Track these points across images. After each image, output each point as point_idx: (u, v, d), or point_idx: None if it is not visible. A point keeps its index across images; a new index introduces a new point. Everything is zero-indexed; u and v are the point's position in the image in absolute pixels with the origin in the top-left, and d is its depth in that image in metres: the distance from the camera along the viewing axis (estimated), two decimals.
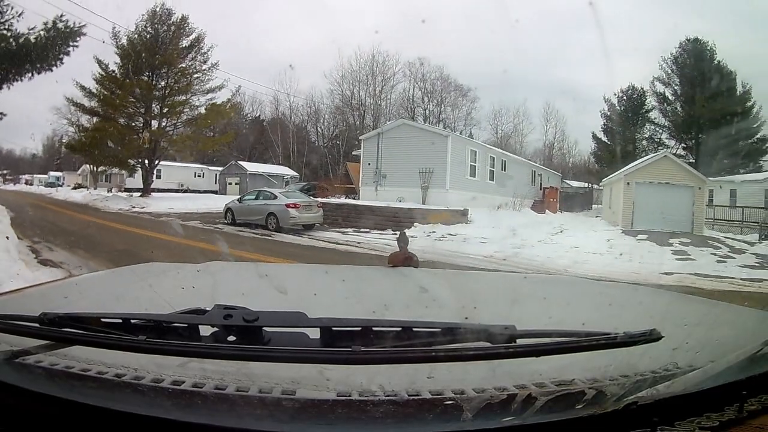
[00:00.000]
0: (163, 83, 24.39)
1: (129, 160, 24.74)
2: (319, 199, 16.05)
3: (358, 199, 18.94)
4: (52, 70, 15.66)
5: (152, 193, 24.81)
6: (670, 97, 36.65)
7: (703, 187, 18.57)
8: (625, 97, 38.03)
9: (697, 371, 0.69)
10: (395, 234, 14.18)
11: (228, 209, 15.30)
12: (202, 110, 24.81)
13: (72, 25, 15.13)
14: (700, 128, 34.27)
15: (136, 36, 23.98)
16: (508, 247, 10.90)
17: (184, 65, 24.55)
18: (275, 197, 14.15)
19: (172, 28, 24.48)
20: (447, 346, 0.68)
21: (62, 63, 15.55)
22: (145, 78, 23.97)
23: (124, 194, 25.02)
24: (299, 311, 0.72)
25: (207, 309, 0.75)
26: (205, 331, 0.71)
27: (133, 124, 24.64)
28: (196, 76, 24.80)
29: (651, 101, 37.59)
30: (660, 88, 36.75)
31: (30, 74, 14.55)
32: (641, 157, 25.51)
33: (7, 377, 0.64)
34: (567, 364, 0.69)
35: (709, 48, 34.00)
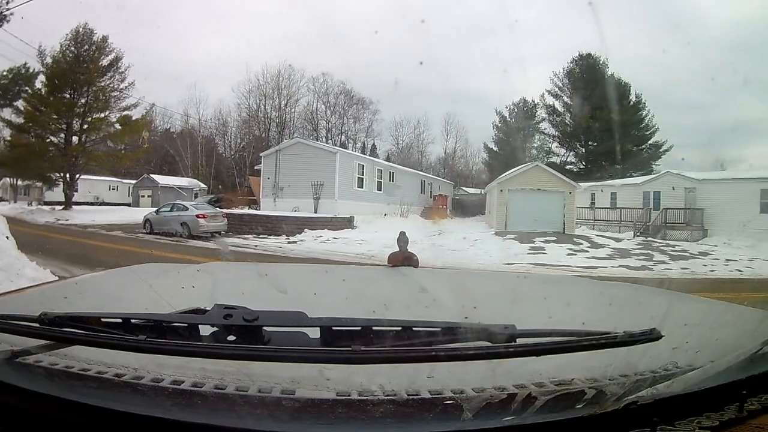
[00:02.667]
0: (83, 101, 25.34)
1: (51, 174, 25.65)
2: (224, 210, 18.14)
3: (259, 209, 20.96)
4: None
5: (73, 206, 25.58)
6: (559, 109, 39.19)
7: (573, 192, 20.57)
8: (516, 110, 40.62)
9: (697, 371, 0.69)
10: (288, 239, 15.16)
11: (147, 220, 17.12)
12: (118, 126, 25.92)
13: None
14: (590, 137, 36.50)
15: (60, 55, 24.97)
16: (379, 246, 12.63)
17: (103, 84, 25.67)
18: (187, 209, 16.31)
19: (93, 47, 25.55)
20: (447, 346, 0.68)
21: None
22: (68, 96, 24.91)
23: (47, 207, 25.61)
24: (299, 311, 0.72)
25: (207, 309, 0.75)
26: (205, 330, 0.71)
27: (56, 140, 25.56)
28: (114, 94, 26.01)
29: (541, 113, 40.21)
30: (550, 100, 39.30)
31: None
32: None
33: (7, 377, 0.64)
34: (567, 363, 0.69)
35: (601, 62, 36.20)
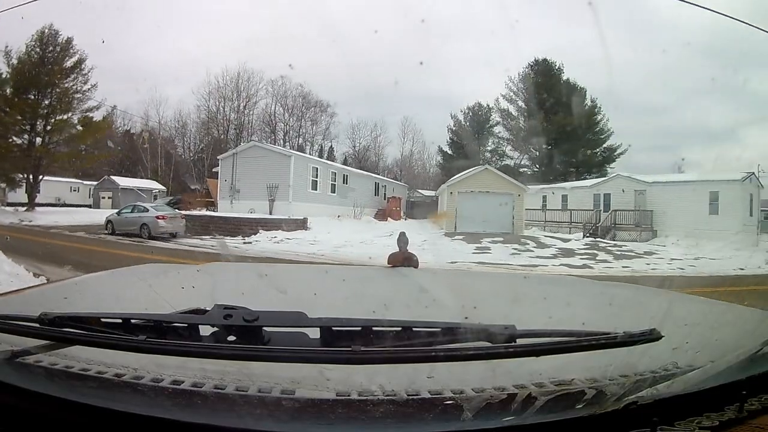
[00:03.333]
0: (47, 102, 25.48)
1: (14, 175, 25.77)
2: (183, 212, 18.74)
3: (216, 211, 21.64)
4: None
5: (36, 208, 25.69)
6: (514, 113, 40.07)
7: (522, 194, 21.39)
8: (471, 113, 41.53)
9: (697, 371, 0.69)
10: (243, 239, 15.51)
11: (109, 221, 17.73)
12: (79, 127, 26.15)
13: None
14: (545, 140, 36.85)
15: (25, 56, 25.11)
16: (330, 247, 13.56)
17: (66, 85, 25.75)
18: (147, 210, 17.09)
19: (58, 49, 25.67)
20: (447, 346, 0.68)
21: None
22: (32, 97, 25.07)
23: (10, 209, 25.21)
24: (299, 311, 0.72)
25: (207, 309, 0.75)
26: (206, 331, 0.71)
27: (20, 141, 25.68)
28: (77, 96, 26.13)
29: (495, 117, 41.09)
30: (505, 104, 40.08)
31: None
32: None
33: (7, 377, 0.64)
34: (567, 363, 0.69)
35: (557, 67, 36.96)
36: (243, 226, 17.25)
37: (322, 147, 44.43)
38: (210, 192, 26.69)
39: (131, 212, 17.38)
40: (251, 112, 42.78)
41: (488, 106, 41.07)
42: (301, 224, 18.48)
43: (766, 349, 0.73)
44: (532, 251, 15.18)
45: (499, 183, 21.39)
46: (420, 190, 37.55)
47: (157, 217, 16.18)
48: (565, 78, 36.50)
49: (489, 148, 41.49)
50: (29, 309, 0.79)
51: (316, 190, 22.97)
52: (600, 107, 36.93)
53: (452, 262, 11.91)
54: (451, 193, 21.38)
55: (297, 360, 0.66)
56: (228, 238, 16.32)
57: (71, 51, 25.82)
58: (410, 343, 0.69)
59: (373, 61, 47.81)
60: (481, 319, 0.75)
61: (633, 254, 15.40)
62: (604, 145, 37.39)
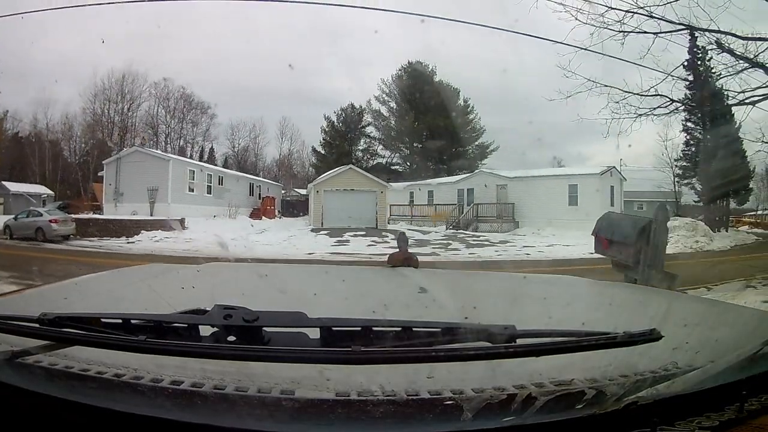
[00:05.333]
0: None
1: None
2: (72, 215, 19.87)
3: (102, 213, 22.90)
4: None
5: None
6: (385, 114, 41.71)
7: (384, 191, 23.11)
8: (344, 114, 42.83)
9: (697, 371, 0.68)
10: (127, 239, 17.06)
11: (6, 226, 18.71)
12: None
13: None
14: (416, 139, 38.76)
15: None
16: (204, 244, 14.44)
17: None
18: (41, 215, 18.23)
19: None
20: (447, 346, 0.68)
21: None
22: None
23: None
24: (299, 311, 0.72)
25: (207, 309, 0.75)
26: (206, 331, 0.71)
27: None
28: None
29: (368, 118, 42.61)
30: (377, 106, 41.61)
31: None
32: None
33: (7, 377, 0.64)
34: (567, 364, 0.69)
35: (429, 70, 38.07)
36: (127, 227, 18.67)
37: (203, 148, 44.97)
38: (96, 195, 27.78)
39: (27, 217, 18.34)
40: (135, 115, 43.02)
41: (361, 107, 42.58)
42: (179, 224, 19.63)
43: (766, 349, 0.73)
44: (388, 242, 16.37)
45: (362, 181, 22.86)
46: (296, 189, 38.52)
47: (51, 221, 17.18)
48: (437, 79, 37.69)
49: (361, 148, 43.10)
50: (29, 309, 0.79)
51: (193, 191, 24.23)
52: (473, 106, 38.55)
53: (310, 254, 13.52)
54: (317, 191, 22.73)
55: (297, 360, 0.66)
56: (114, 238, 17.72)
57: None
58: (410, 343, 0.69)
59: (251, 63, 49.76)
60: (481, 319, 0.75)
61: (487, 243, 17.05)
62: (476, 143, 39.11)
